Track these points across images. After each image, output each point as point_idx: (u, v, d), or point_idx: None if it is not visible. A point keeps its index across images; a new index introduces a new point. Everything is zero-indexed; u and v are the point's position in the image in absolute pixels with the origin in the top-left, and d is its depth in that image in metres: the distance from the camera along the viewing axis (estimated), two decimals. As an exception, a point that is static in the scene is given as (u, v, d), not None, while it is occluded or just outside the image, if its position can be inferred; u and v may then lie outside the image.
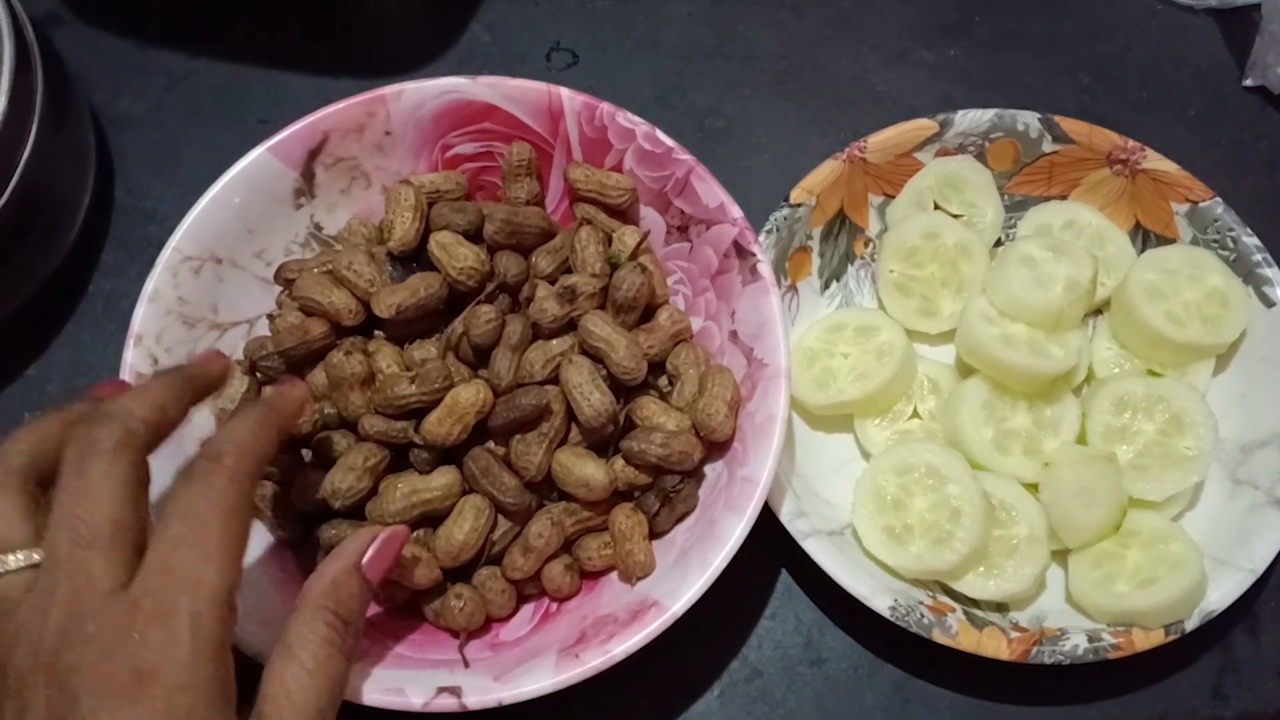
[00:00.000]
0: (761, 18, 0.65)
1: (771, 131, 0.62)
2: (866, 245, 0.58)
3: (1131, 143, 0.55)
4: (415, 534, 0.48)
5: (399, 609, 0.49)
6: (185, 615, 0.33)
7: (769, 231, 0.54)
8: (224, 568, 0.35)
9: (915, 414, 0.54)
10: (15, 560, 0.35)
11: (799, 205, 0.55)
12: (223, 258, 0.51)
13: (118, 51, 0.64)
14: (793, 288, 0.56)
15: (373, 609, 0.49)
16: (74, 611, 0.33)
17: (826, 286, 0.57)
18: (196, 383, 0.42)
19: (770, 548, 0.52)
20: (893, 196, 0.57)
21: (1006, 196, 0.58)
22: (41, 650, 0.33)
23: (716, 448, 0.49)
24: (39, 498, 0.37)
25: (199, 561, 0.34)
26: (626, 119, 0.52)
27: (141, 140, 0.62)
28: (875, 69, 0.64)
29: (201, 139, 0.62)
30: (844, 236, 0.57)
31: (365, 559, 0.40)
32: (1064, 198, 0.57)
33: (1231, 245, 0.54)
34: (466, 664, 0.46)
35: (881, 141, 0.56)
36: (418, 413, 0.48)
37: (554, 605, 0.49)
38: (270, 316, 0.51)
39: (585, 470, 0.47)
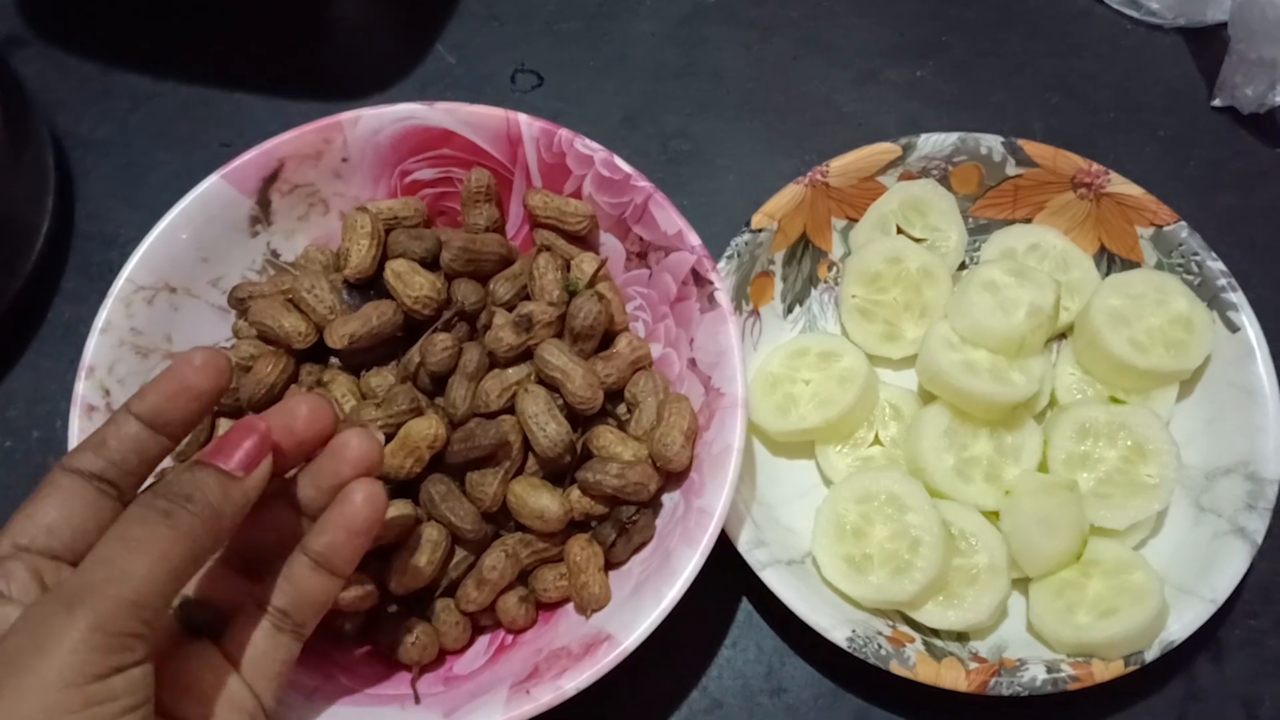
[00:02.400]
0: (729, 38, 0.65)
1: (738, 153, 0.62)
2: (830, 269, 0.57)
3: (1096, 166, 0.55)
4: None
5: (351, 640, 0.48)
6: (100, 590, 0.32)
7: (730, 257, 0.54)
8: (156, 563, 0.33)
9: (877, 440, 0.53)
10: None
11: (760, 230, 0.54)
12: (177, 287, 0.51)
13: (82, 74, 0.64)
14: (755, 312, 0.55)
15: (325, 642, 0.48)
16: None
17: (789, 311, 0.57)
18: None
19: (731, 577, 0.51)
20: (856, 220, 0.57)
21: (971, 220, 0.57)
22: None
23: (674, 478, 0.49)
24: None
25: (127, 553, 0.33)
26: (585, 145, 0.52)
27: (105, 164, 0.62)
28: (843, 89, 0.63)
29: (165, 163, 0.62)
30: (807, 261, 0.57)
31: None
32: (1029, 221, 0.57)
33: (1196, 270, 0.53)
34: (418, 699, 0.45)
35: (844, 165, 0.55)
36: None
37: (509, 637, 0.49)
38: (223, 349, 0.51)
39: (540, 501, 0.47)
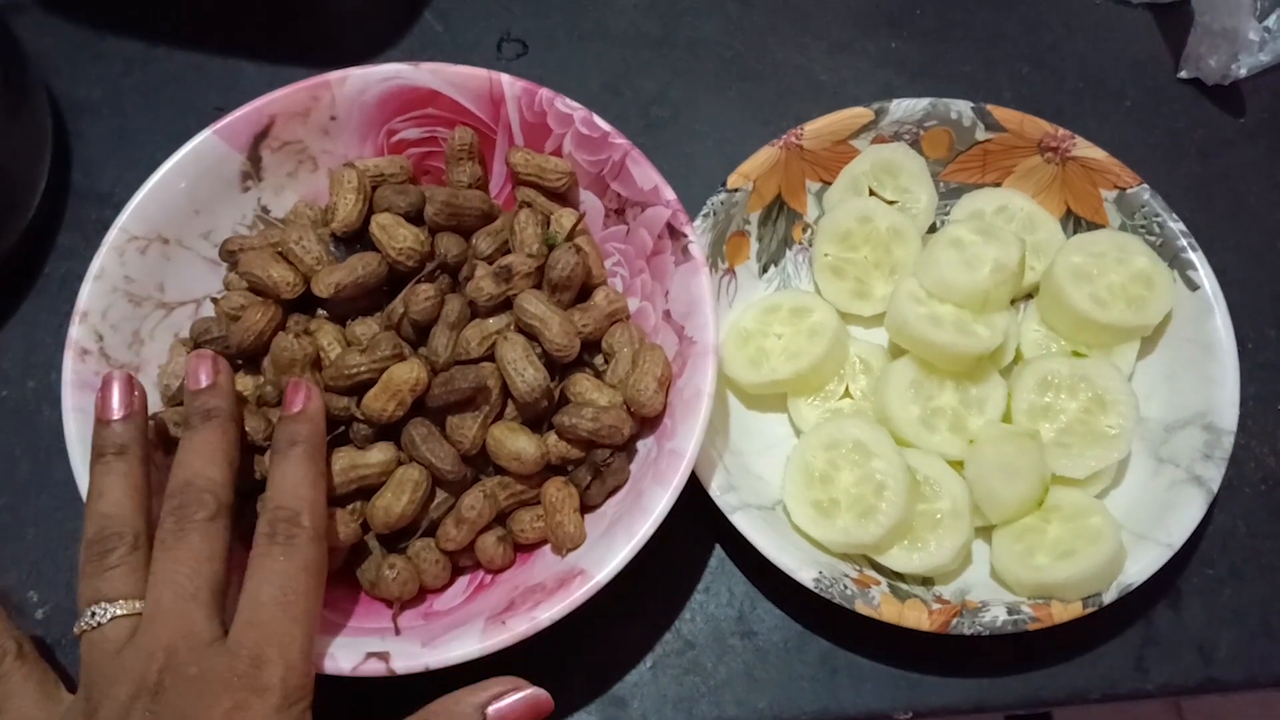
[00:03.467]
0: (709, 7, 0.66)
1: (715, 119, 0.64)
2: (804, 230, 0.59)
3: (1062, 131, 0.56)
4: (351, 506, 0.49)
5: (335, 578, 0.50)
6: (278, 667, 0.39)
7: (706, 215, 0.55)
8: (309, 625, 0.41)
9: (847, 393, 0.55)
10: (122, 608, 0.41)
11: (736, 190, 0.56)
12: (170, 238, 0.53)
13: (77, 38, 0.65)
14: (730, 271, 0.57)
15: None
16: (177, 655, 0.39)
17: (765, 270, 0.58)
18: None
19: (704, 523, 0.53)
20: (830, 183, 0.58)
21: (942, 184, 0.59)
22: (145, 686, 0.38)
23: (648, 423, 0.51)
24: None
25: (289, 621, 0.40)
26: (565, 104, 0.53)
27: (99, 125, 0.63)
28: (819, 58, 0.65)
29: (158, 125, 0.63)
30: (782, 222, 0.59)
31: (495, 709, 0.41)
32: (998, 185, 0.59)
33: (1158, 230, 0.55)
34: (398, 631, 0.47)
35: (818, 129, 0.57)
36: (364, 386, 0.49)
37: (488, 577, 0.50)
38: (214, 299, 0.53)
39: (518, 444, 0.49)
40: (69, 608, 0.53)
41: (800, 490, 0.51)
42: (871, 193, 0.58)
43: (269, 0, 0.66)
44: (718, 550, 0.54)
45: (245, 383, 0.52)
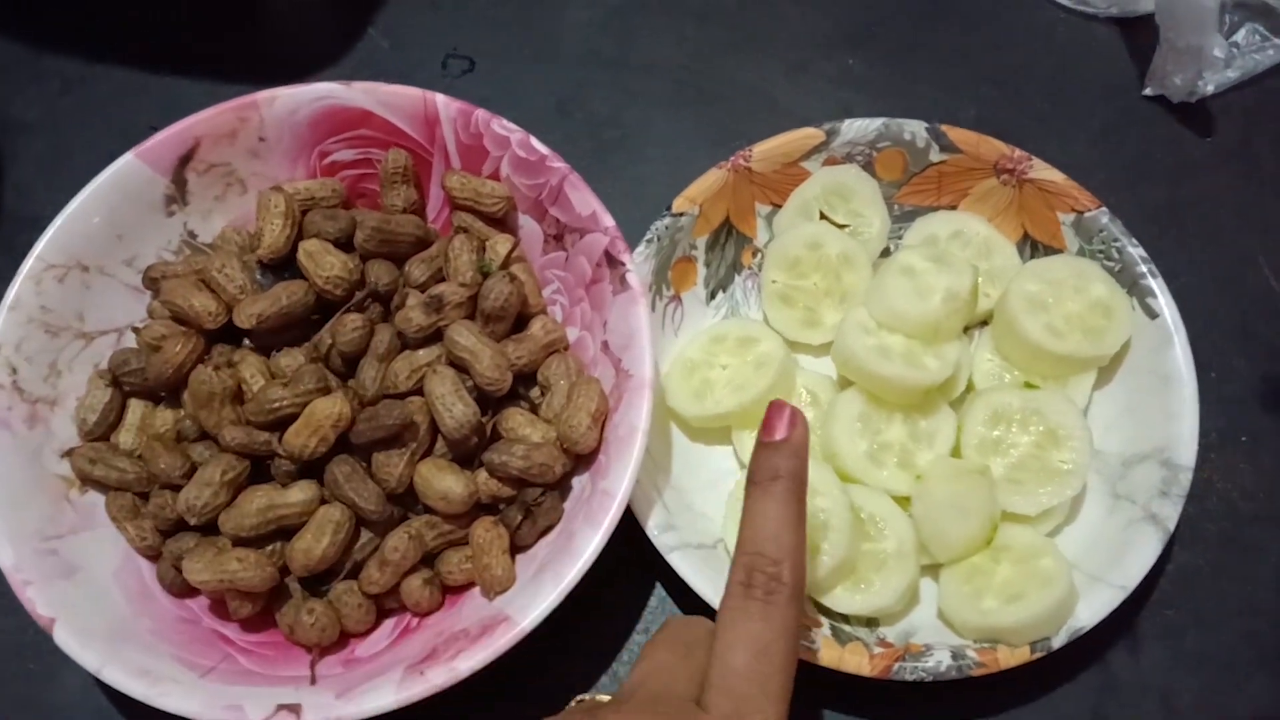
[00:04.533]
0: (664, 26, 0.65)
1: (668, 140, 0.62)
2: (754, 256, 0.57)
3: (1019, 152, 0.54)
4: (270, 548, 0.47)
5: (254, 622, 0.48)
6: None
7: (649, 241, 0.53)
8: (784, 692, 0.37)
9: (794, 426, 0.53)
10: None
11: (681, 214, 0.54)
12: (90, 265, 0.51)
13: (13, 56, 0.64)
14: (676, 298, 0.55)
15: (227, 624, 0.48)
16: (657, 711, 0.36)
17: (713, 297, 0.57)
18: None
19: (644, 561, 0.51)
20: (780, 206, 0.57)
21: (897, 206, 0.57)
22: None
23: (584, 459, 0.49)
24: None
25: (763, 697, 0.36)
26: (502, 126, 0.52)
27: (33, 146, 0.62)
28: (776, 79, 0.63)
29: (93, 145, 0.61)
30: (731, 246, 0.57)
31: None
32: (954, 208, 0.57)
33: (1116, 255, 0.53)
34: (314, 680, 0.45)
35: (767, 150, 0.55)
36: (287, 421, 0.47)
37: (415, 620, 0.48)
38: (136, 329, 0.51)
39: (445, 483, 0.47)
40: None
41: (742, 529, 0.49)
42: (823, 216, 0.56)
43: (210, 18, 0.64)
44: (658, 589, 0.52)
45: (165, 416, 0.50)
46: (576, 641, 0.51)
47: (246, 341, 0.51)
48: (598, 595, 0.51)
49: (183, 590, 0.48)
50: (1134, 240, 0.53)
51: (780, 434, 0.40)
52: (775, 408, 0.41)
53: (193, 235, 0.54)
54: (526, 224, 0.53)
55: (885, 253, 0.57)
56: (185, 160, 0.52)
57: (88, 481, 0.49)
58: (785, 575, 0.37)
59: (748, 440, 0.53)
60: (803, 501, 0.40)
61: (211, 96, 0.62)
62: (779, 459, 0.40)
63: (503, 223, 0.53)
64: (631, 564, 0.51)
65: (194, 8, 0.64)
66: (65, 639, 0.44)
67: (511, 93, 0.62)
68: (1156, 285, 0.52)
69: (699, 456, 0.53)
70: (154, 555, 0.49)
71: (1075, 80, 0.63)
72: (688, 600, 0.50)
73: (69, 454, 0.49)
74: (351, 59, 0.63)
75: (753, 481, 0.40)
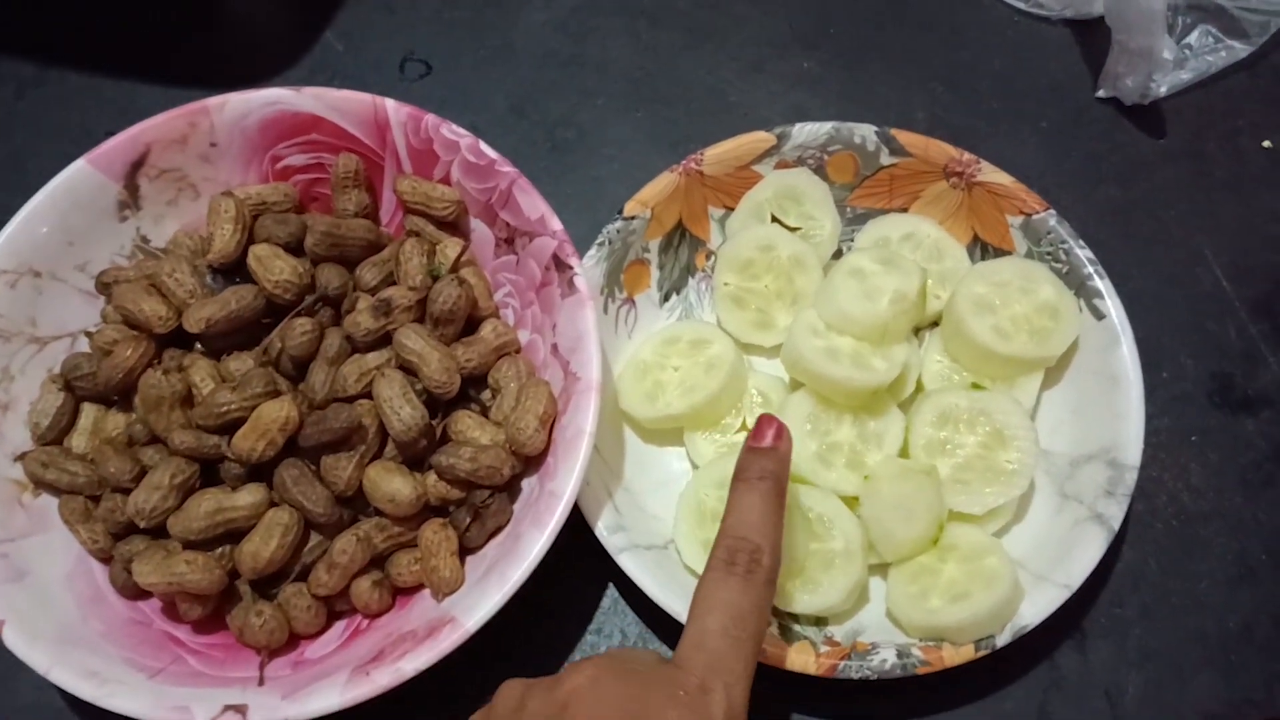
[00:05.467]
0: (619, 27, 0.65)
1: (623, 141, 0.62)
2: (708, 258, 0.57)
3: (967, 155, 0.55)
4: (219, 550, 0.47)
5: (205, 624, 0.48)
6: (720, 694, 0.37)
7: (600, 244, 0.54)
8: (750, 668, 0.39)
9: (744, 427, 0.53)
10: None
11: (633, 218, 0.54)
12: (42, 271, 0.51)
13: (-32, 61, 0.64)
14: (630, 300, 0.55)
15: (179, 626, 0.48)
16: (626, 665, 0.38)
17: (666, 299, 0.57)
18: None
19: (596, 562, 0.51)
20: (733, 209, 0.57)
21: (849, 209, 0.57)
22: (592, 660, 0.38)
23: (533, 461, 0.49)
24: None
25: (734, 658, 0.38)
26: (451, 130, 0.52)
27: (-12, 151, 0.62)
28: (731, 79, 0.63)
29: (49, 151, 0.61)
30: (684, 249, 0.57)
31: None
32: (905, 210, 0.57)
33: (1064, 257, 0.53)
34: (262, 682, 0.45)
35: (719, 154, 0.55)
36: (236, 425, 0.47)
37: (365, 621, 0.49)
38: (88, 333, 0.51)
39: (392, 485, 0.47)
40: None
41: (691, 529, 0.50)
42: (775, 219, 0.56)
43: (165, 22, 0.64)
44: (611, 590, 0.53)
45: (117, 420, 0.50)
46: (528, 642, 0.51)
47: (198, 346, 0.51)
48: (550, 596, 0.51)
49: (134, 592, 0.48)
50: (1081, 242, 0.53)
51: (768, 442, 0.43)
52: (766, 420, 0.44)
53: (145, 240, 0.54)
54: (478, 228, 0.53)
55: (837, 255, 0.57)
56: (137, 166, 0.52)
57: (40, 485, 0.49)
58: (765, 559, 0.40)
59: (699, 442, 0.53)
60: (784, 503, 0.42)
61: (167, 101, 0.62)
62: (766, 461, 0.43)
63: (454, 226, 0.53)
64: (584, 565, 0.51)
65: (150, 12, 0.64)
66: (14, 641, 0.44)
67: (468, 95, 0.63)
68: (1104, 286, 0.52)
69: (651, 458, 0.54)
70: (106, 558, 0.49)
71: (1028, 82, 0.63)
72: (639, 601, 0.51)
73: (21, 458, 0.49)
74: (307, 63, 0.63)
75: (740, 478, 0.43)
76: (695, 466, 0.53)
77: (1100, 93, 0.63)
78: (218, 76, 0.63)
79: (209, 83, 0.62)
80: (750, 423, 0.53)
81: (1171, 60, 0.59)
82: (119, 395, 0.50)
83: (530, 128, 0.62)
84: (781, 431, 0.44)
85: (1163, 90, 0.61)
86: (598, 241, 0.54)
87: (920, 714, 0.50)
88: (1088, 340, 0.52)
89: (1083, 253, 0.53)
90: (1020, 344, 0.51)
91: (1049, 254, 0.54)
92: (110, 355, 0.49)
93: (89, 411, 0.51)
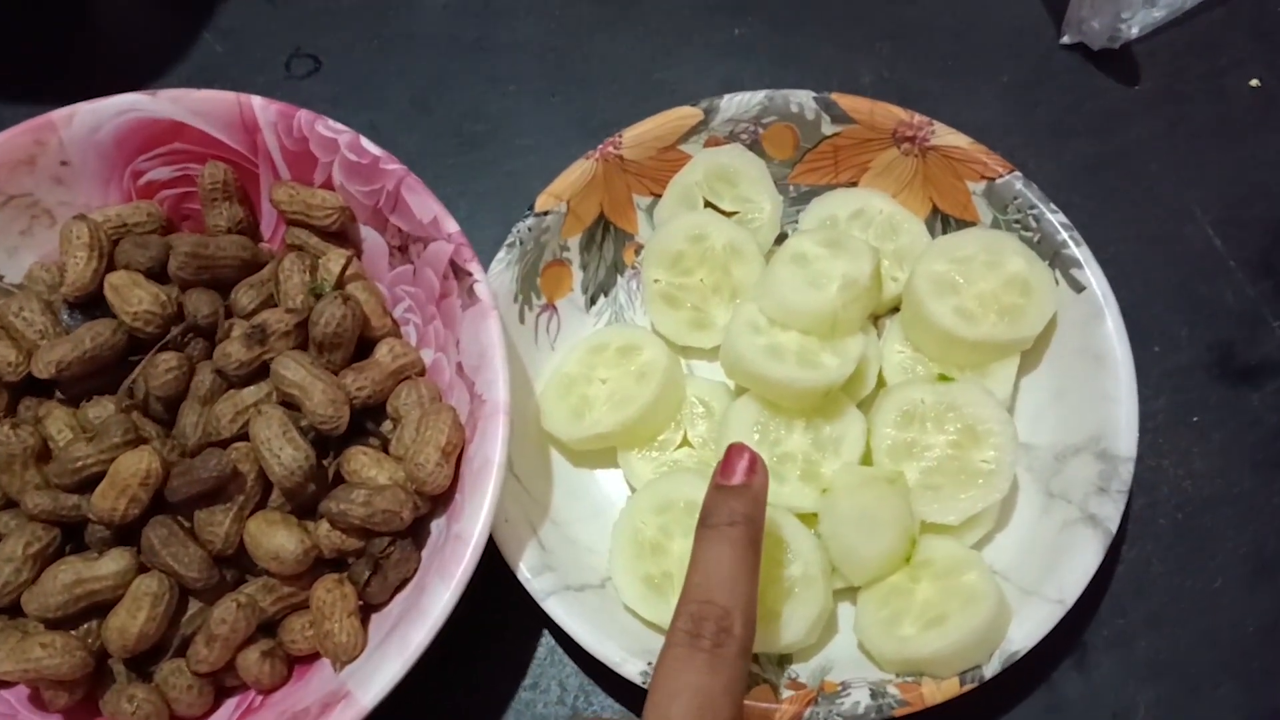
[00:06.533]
0: (527, 5, 0.59)
1: (541, 131, 0.56)
2: (637, 253, 0.51)
3: (919, 117, 0.49)
4: (85, 628, 0.41)
5: (77, 713, 0.42)
6: None
7: (510, 245, 0.48)
8: None
9: (685, 442, 0.47)
10: None
11: (546, 214, 0.48)
12: (-125, 318, 0.45)
13: None
14: (550, 306, 0.49)
15: (47, 717, 0.42)
16: None
17: (593, 302, 0.51)
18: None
19: (528, 609, 0.45)
20: (660, 196, 0.51)
21: (791, 188, 0.51)
22: None
23: (440, 500, 0.43)
24: None
25: None
26: (328, 127, 0.46)
27: None
28: (654, 54, 0.57)
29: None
30: (609, 245, 0.51)
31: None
32: (854, 184, 0.51)
33: (1034, 225, 0.47)
34: (135, 779, 0.39)
35: (639, 135, 0.49)
36: (97, 480, 0.41)
37: (259, 699, 0.42)
38: (-72, 385, 0.45)
39: (275, 541, 0.41)
40: None
41: (629, 563, 0.44)
42: (707, 204, 0.50)
43: (22, 29, 0.58)
44: (545, 638, 0.46)
45: None
46: (454, 701, 0.45)
47: (57, 393, 0.45)
48: (475, 651, 0.45)
49: (-5, 681, 0.42)
50: (1053, 206, 0.47)
51: (738, 478, 0.38)
52: (735, 450, 0.38)
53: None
54: (369, 236, 0.47)
55: (781, 240, 0.51)
56: (-21, 193, 0.46)
57: None
58: (736, 627, 0.35)
59: (635, 461, 0.47)
60: (759, 551, 0.37)
61: (28, 118, 0.56)
62: (736, 503, 0.37)
63: (341, 236, 0.47)
64: (515, 610, 0.45)
65: (6, 17, 0.58)
66: None
67: (363, 91, 0.56)
68: (1081, 254, 0.46)
69: (582, 483, 0.47)
70: (-39, 644, 0.43)
71: (984, 33, 0.57)
72: (576, 650, 0.44)
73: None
74: (184, 68, 0.57)
75: (705, 524, 0.37)
76: (632, 489, 0.47)
77: (1065, 39, 0.56)
78: (83, 89, 0.56)
79: (73, 96, 0.56)
80: (691, 436, 0.47)
81: (1141, -2, 0.53)
82: (-27, 451, 0.44)
83: (436, 122, 0.56)
84: (755, 464, 0.38)
85: (1134, 31, 0.55)
86: (506, 242, 0.48)
87: (902, 758, 0.44)
88: (1067, 316, 0.46)
89: (1055, 218, 0.47)
90: (989, 326, 0.45)
91: (1017, 222, 0.48)
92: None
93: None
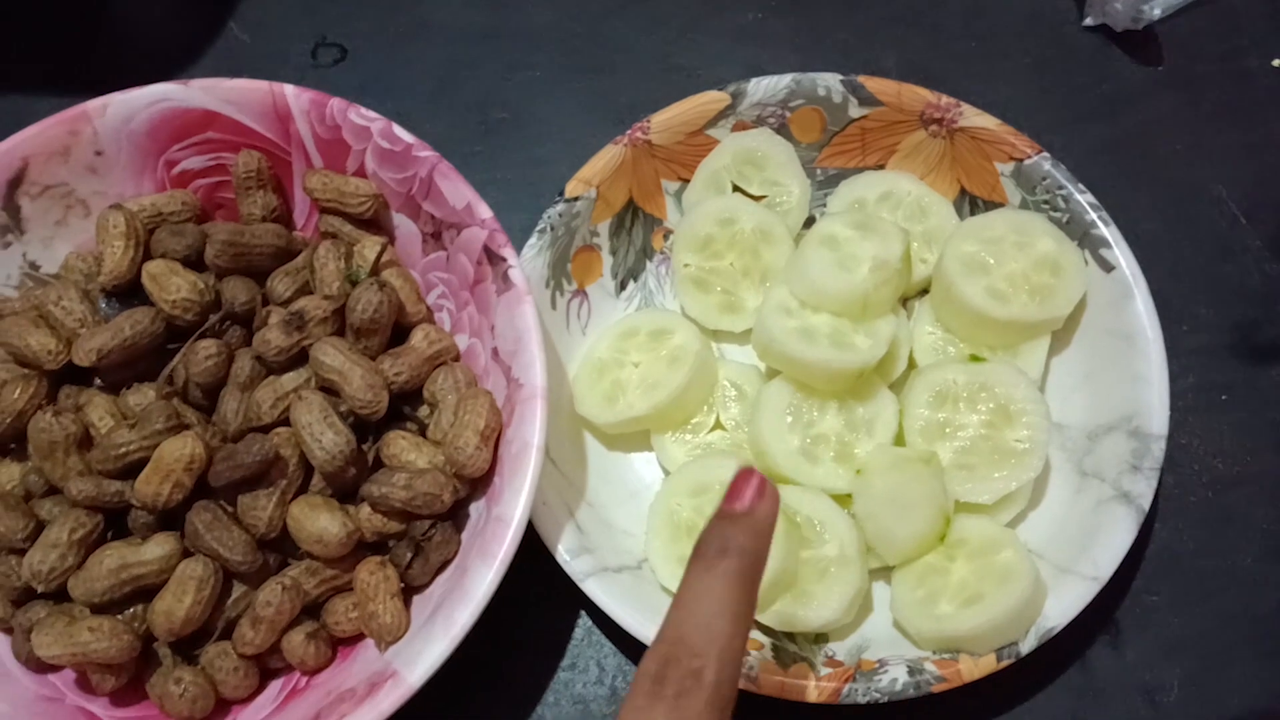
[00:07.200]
0: (544, -9, 0.59)
1: (562, 117, 0.56)
2: (666, 238, 0.52)
3: (946, 99, 0.49)
4: (130, 611, 0.41)
5: (124, 695, 0.42)
6: None
7: (542, 231, 0.48)
8: None
9: (718, 424, 0.47)
10: None
11: (576, 199, 0.48)
12: (-85, 308, 0.45)
13: None
14: (580, 292, 0.49)
15: (94, 699, 0.42)
16: None
17: (622, 287, 0.51)
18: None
19: (565, 589, 0.45)
20: (688, 180, 0.51)
21: (819, 171, 0.52)
22: None
23: (479, 483, 0.43)
24: None
25: None
26: (360, 115, 0.46)
27: None
28: (671, 38, 0.57)
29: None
30: (638, 230, 0.51)
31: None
32: (881, 167, 0.51)
33: (1063, 205, 0.47)
34: (184, 761, 0.40)
35: (667, 120, 0.50)
36: (139, 466, 0.41)
37: (304, 680, 0.43)
38: (-30, 374, 0.45)
39: (318, 524, 0.41)
40: None
41: (665, 546, 0.44)
42: (735, 188, 0.50)
43: (49, 21, 0.58)
44: (584, 618, 0.47)
45: (11, 471, 0.44)
46: (496, 681, 0.45)
47: (97, 380, 0.45)
48: (514, 632, 0.46)
49: (42, 665, 0.42)
50: (1081, 186, 0.47)
51: (744, 503, 0.33)
52: (744, 475, 0.34)
53: (35, 266, 0.48)
54: (401, 223, 0.47)
55: (809, 223, 0.51)
56: (14, 184, 0.46)
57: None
58: (708, 674, 0.30)
59: (669, 445, 0.47)
60: (754, 589, 0.32)
61: (56, 110, 0.57)
62: (735, 532, 0.32)
63: (374, 224, 0.47)
64: (552, 591, 0.45)
65: (29, 10, 0.58)
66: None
67: (388, 80, 0.57)
68: (1110, 234, 0.47)
69: (616, 466, 0.48)
70: (6, 628, 0.43)
71: (1005, 14, 0.57)
72: (615, 629, 0.45)
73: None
74: (211, 58, 0.57)
75: (695, 554, 0.33)
76: (666, 472, 0.47)
77: (1088, 20, 0.56)
78: (112, 80, 0.56)
79: (102, 86, 0.56)
80: (724, 419, 0.47)
81: (1165, -22, 0.53)
82: (11, 442, 0.44)
83: (459, 110, 0.56)
84: (763, 489, 0.33)
85: (1156, 13, 0.55)
86: (538, 228, 0.48)
87: (938, 733, 0.44)
88: (1096, 296, 0.47)
89: (1083, 198, 0.47)
90: (1020, 306, 0.45)
91: (1046, 202, 0.48)
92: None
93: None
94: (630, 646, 0.46)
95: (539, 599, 0.46)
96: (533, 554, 0.43)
